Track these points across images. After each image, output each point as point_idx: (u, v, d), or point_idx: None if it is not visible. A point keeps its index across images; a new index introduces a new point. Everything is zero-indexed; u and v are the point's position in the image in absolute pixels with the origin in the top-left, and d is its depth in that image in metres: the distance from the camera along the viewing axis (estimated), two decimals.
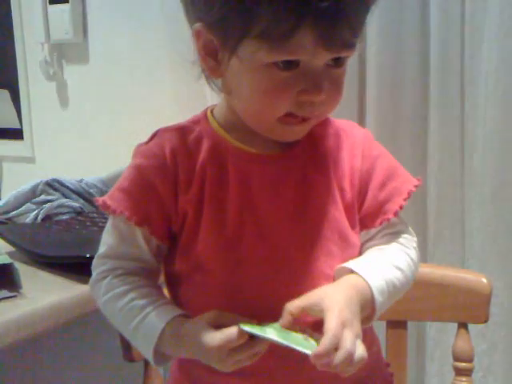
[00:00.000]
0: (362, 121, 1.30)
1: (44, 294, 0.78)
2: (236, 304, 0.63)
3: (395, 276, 0.65)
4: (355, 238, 0.68)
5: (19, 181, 1.53)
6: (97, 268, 0.69)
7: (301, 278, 0.64)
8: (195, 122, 0.68)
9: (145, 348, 0.64)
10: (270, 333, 0.57)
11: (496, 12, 1.16)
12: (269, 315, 0.60)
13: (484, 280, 0.85)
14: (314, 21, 0.55)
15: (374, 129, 1.26)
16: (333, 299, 0.59)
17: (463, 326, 0.86)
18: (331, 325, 0.56)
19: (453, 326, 0.88)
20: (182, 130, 0.67)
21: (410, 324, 1.27)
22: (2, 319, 0.72)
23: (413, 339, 1.33)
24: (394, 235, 0.69)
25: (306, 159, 0.67)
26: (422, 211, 1.27)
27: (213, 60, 0.62)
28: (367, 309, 0.62)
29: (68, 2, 1.62)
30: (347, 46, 0.59)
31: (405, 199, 0.68)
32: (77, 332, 0.93)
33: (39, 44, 1.70)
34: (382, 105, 1.26)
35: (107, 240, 0.68)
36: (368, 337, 0.69)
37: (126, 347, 0.75)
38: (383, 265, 0.66)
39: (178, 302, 0.68)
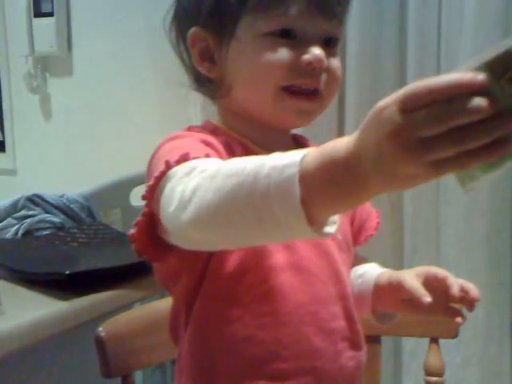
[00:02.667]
0: (340, 135, 1.32)
1: (23, 310, 0.79)
2: None
3: None
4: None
5: (0, 193, 1.54)
6: (197, 166, 0.50)
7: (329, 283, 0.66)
8: (212, 131, 0.66)
9: (282, 170, 0.43)
10: None
11: (471, 32, 1.19)
12: None
13: None
14: None
15: None
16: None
17: (434, 340, 0.88)
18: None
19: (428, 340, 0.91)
20: (210, 132, 0.65)
21: (387, 338, 1.30)
22: None
23: (390, 353, 1.36)
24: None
25: None
26: (399, 227, 1.31)
27: (209, 63, 0.66)
28: None
29: (53, 15, 1.63)
30: (335, 15, 0.63)
31: (377, 216, 0.75)
32: (55, 348, 0.94)
33: (23, 57, 1.71)
34: (360, 122, 1.29)
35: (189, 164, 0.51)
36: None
37: (104, 363, 0.77)
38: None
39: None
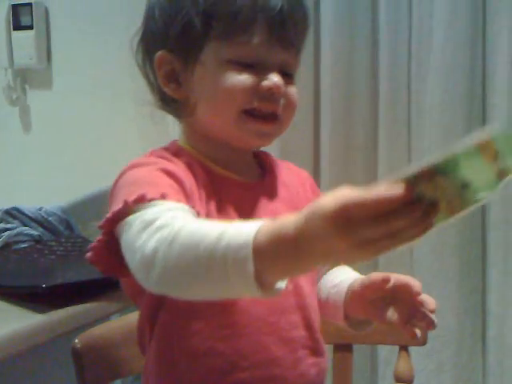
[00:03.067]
0: (316, 149, 1.36)
1: (0, 323, 0.80)
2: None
3: None
4: None
5: None
6: (157, 219, 0.55)
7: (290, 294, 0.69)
8: (175, 153, 0.69)
9: (237, 250, 0.50)
10: None
11: (439, 48, 1.24)
12: None
13: None
14: (266, 15, 0.65)
15: (328, 160, 1.32)
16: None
17: (404, 348, 0.91)
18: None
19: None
20: (173, 154, 0.68)
21: (364, 346, 1.33)
22: None
23: (366, 359, 1.38)
24: None
25: (276, 189, 0.74)
26: None
27: (174, 84, 0.69)
28: None
29: (32, 28, 1.64)
30: (293, 45, 0.68)
31: None
32: (32, 362, 0.94)
33: (2, 69, 1.71)
34: (336, 137, 1.33)
35: (156, 206, 0.57)
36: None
37: (80, 374, 0.78)
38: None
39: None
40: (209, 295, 0.55)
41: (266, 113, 0.67)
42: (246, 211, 0.69)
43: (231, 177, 0.70)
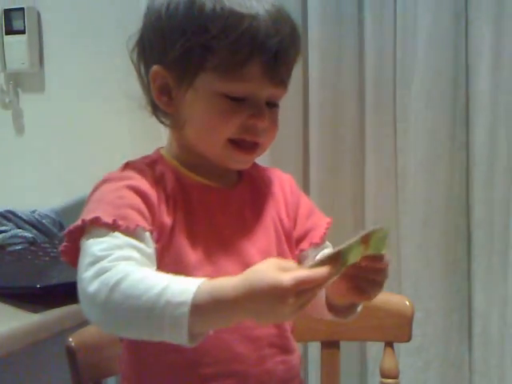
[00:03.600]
0: (306, 153, 1.38)
1: None
2: None
3: None
4: (291, 257, 0.77)
5: None
6: (99, 260, 0.60)
7: None
8: (153, 161, 0.73)
9: (175, 311, 0.55)
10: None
11: (423, 55, 1.27)
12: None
13: (407, 302, 0.93)
14: (262, 55, 0.67)
15: (317, 163, 1.35)
16: None
17: (389, 344, 0.94)
18: None
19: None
20: (148, 165, 0.73)
21: (353, 344, 1.35)
22: None
23: (356, 358, 1.41)
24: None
25: (251, 194, 0.77)
26: None
27: (167, 97, 0.71)
28: None
29: (24, 32, 1.66)
30: (283, 83, 0.71)
31: (326, 228, 0.80)
32: (27, 360, 0.96)
33: None
34: (324, 141, 1.36)
35: (104, 240, 0.62)
36: (298, 354, 0.78)
37: (75, 372, 0.80)
38: None
39: None
40: (142, 338, 0.61)
41: (249, 143, 0.71)
42: (215, 216, 0.72)
43: (204, 183, 0.73)
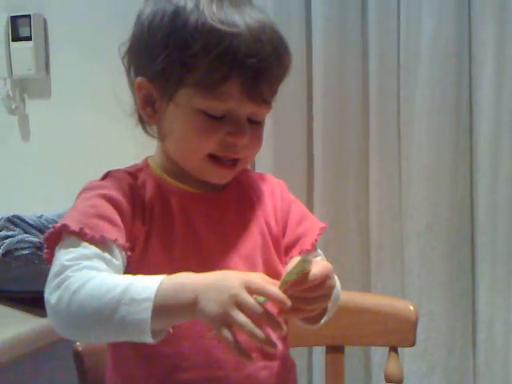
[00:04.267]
0: (310, 159, 1.39)
1: (3, 327, 0.82)
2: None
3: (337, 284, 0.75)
4: (280, 265, 0.78)
5: None
6: (66, 269, 0.63)
7: None
8: (138, 169, 0.76)
9: (139, 307, 0.58)
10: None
11: (427, 60, 1.27)
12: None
13: (411, 307, 0.93)
14: (241, 74, 0.66)
15: (321, 168, 1.36)
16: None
17: (393, 349, 0.94)
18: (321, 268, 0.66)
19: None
20: (130, 174, 0.75)
21: (357, 349, 1.36)
22: None
23: (360, 363, 1.41)
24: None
25: (237, 199, 0.78)
26: (365, 244, 1.37)
27: (151, 108, 0.73)
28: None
29: (31, 39, 1.67)
30: (265, 102, 0.70)
31: (318, 234, 0.80)
32: (35, 364, 0.97)
33: (2, 79, 1.74)
34: (328, 146, 1.36)
35: (74, 249, 0.65)
36: (289, 361, 0.79)
37: (82, 376, 0.80)
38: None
39: None
40: (106, 339, 0.63)
41: (228, 158, 0.72)
42: (194, 223, 0.73)
43: (184, 189, 0.74)
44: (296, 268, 0.63)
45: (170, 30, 0.68)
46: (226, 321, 0.57)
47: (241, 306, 0.57)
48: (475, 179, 1.29)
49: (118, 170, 0.76)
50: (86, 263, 0.63)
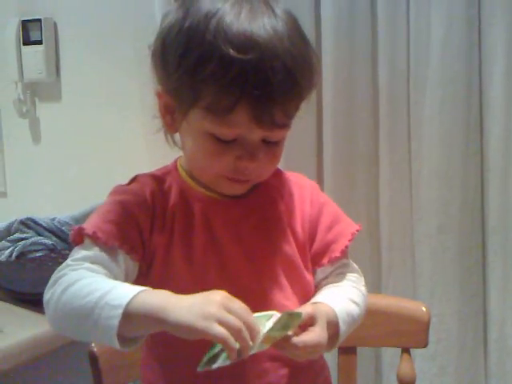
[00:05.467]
0: (319, 161, 1.39)
1: (20, 328, 0.83)
2: None
3: (353, 309, 0.74)
4: (308, 273, 0.76)
5: None
6: (68, 267, 0.66)
7: (257, 307, 0.70)
8: (166, 172, 0.76)
9: (110, 312, 0.59)
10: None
11: (437, 62, 1.27)
12: None
13: (423, 308, 0.93)
14: (249, 102, 0.64)
15: (331, 169, 1.36)
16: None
17: (406, 350, 0.94)
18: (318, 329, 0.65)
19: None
20: (156, 178, 0.75)
21: (368, 350, 1.36)
22: None
23: (371, 363, 1.41)
24: (346, 274, 0.79)
25: (262, 205, 0.76)
26: (376, 245, 1.37)
27: (170, 117, 0.71)
28: (332, 336, 0.70)
29: (41, 43, 1.68)
30: (278, 126, 0.67)
31: (349, 240, 0.77)
32: (50, 366, 0.98)
33: (13, 83, 1.76)
34: (337, 148, 1.36)
35: (85, 251, 0.68)
36: (319, 363, 0.78)
37: (97, 377, 0.81)
38: (343, 299, 0.74)
39: None
40: (85, 339, 0.65)
41: (239, 180, 0.71)
42: (216, 230, 0.72)
43: (207, 195, 0.74)
44: (279, 323, 0.61)
45: (182, 51, 0.66)
46: (202, 332, 0.57)
47: (219, 320, 0.57)
48: (486, 180, 1.29)
49: (145, 175, 0.76)
50: (86, 265, 0.66)
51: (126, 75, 1.61)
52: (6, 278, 0.98)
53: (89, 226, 0.69)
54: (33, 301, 0.90)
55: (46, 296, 0.66)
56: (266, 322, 0.62)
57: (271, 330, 0.61)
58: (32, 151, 1.81)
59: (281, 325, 0.62)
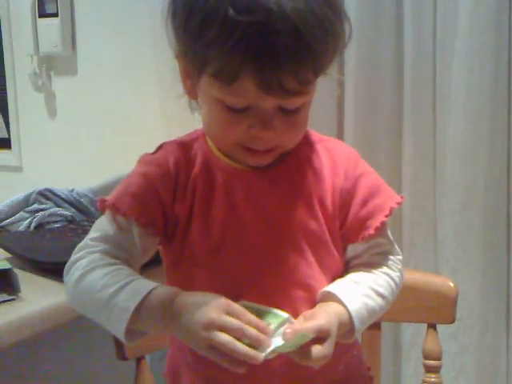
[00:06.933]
0: (340, 134, 1.36)
1: (42, 297, 0.83)
2: None
3: (376, 303, 0.71)
4: (336, 250, 0.73)
5: (6, 190, 1.57)
6: (86, 248, 0.69)
7: (276, 286, 0.69)
8: (194, 138, 0.74)
9: (123, 309, 0.62)
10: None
11: (464, 33, 1.24)
12: None
13: (451, 284, 0.91)
14: (254, 69, 0.59)
15: (352, 143, 1.33)
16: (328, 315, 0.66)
17: (432, 326, 0.92)
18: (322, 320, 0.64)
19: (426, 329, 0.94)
20: (183, 145, 0.73)
21: (386, 327, 1.34)
22: (3, 321, 0.76)
23: (390, 341, 1.40)
24: (381, 256, 0.74)
25: (289, 176, 0.71)
26: (397, 221, 1.34)
27: (190, 82, 0.68)
28: (347, 332, 0.68)
29: (57, 15, 1.66)
30: (291, 93, 0.62)
31: (386, 216, 0.72)
32: (72, 332, 0.97)
33: (28, 56, 1.74)
34: (360, 122, 1.33)
35: (104, 228, 0.70)
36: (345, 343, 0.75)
37: (119, 346, 0.80)
38: (365, 292, 0.70)
39: None
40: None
41: (257, 150, 0.67)
42: (237, 202, 0.70)
43: (231, 165, 0.71)
44: (291, 341, 0.60)
45: (186, 15, 0.63)
46: (208, 343, 0.59)
47: (221, 328, 0.58)
48: None
49: (171, 142, 0.73)
50: (102, 247, 0.68)
51: (142, 48, 1.59)
52: (25, 248, 0.97)
53: (111, 197, 0.70)
54: (53, 270, 0.89)
55: (66, 277, 0.69)
56: (277, 325, 0.62)
57: (280, 347, 0.60)
58: (47, 125, 1.80)
59: (293, 342, 0.61)
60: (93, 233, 0.71)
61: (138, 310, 0.62)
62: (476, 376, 1.31)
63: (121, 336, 0.63)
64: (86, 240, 0.70)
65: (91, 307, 0.66)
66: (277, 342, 0.60)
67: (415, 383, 1.35)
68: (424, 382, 0.92)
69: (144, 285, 0.64)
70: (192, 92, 0.69)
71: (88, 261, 0.67)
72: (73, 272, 0.67)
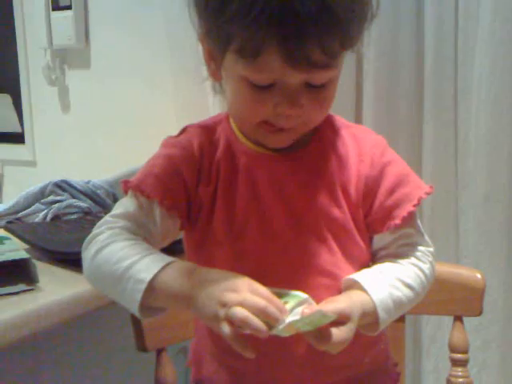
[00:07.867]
0: (359, 123, 1.34)
1: (60, 287, 0.82)
2: None
3: (404, 294, 0.68)
4: (361, 240, 0.71)
5: (20, 184, 1.56)
6: (105, 224, 0.68)
7: (298, 272, 0.68)
8: (217, 122, 0.73)
9: (138, 280, 0.61)
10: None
11: (487, 21, 1.20)
12: None
13: (478, 275, 0.89)
14: (278, 41, 0.58)
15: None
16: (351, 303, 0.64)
17: (459, 318, 0.90)
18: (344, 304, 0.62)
19: (448, 323, 0.92)
20: (206, 129, 0.72)
21: (407, 322, 1.32)
22: (22, 311, 0.75)
23: (409, 336, 1.37)
24: (410, 247, 0.72)
25: (312, 161, 0.70)
26: (419, 213, 1.31)
27: (214, 64, 0.67)
28: (371, 323, 0.66)
29: (71, 8, 1.65)
30: (317, 66, 0.60)
31: (414, 205, 0.69)
32: (92, 325, 0.96)
33: (42, 49, 1.73)
34: (379, 111, 1.31)
35: (125, 206, 0.69)
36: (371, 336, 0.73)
37: (139, 337, 0.79)
38: (392, 283, 0.68)
39: None
40: (118, 302, 0.66)
41: (282, 127, 0.65)
42: (258, 187, 0.69)
43: (253, 149, 0.70)
44: (308, 318, 0.58)
45: None
46: (223, 316, 0.57)
47: (241, 304, 0.56)
48: None
49: (195, 126, 0.73)
50: (122, 223, 0.66)
51: (156, 41, 1.58)
52: (43, 239, 0.96)
53: (134, 178, 0.69)
54: (71, 260, 0.87)
55: (84, 252, 0.67)
56: (295, 305, 0.59)
57: (297, 321, 0.57)
58: (61, 119, 1.79)
59: (309, 320, 0.58)
60: (113, 211, 0.70)
61: (153, 281, 0.60)
62: (498, 370, 1.28)
63: (135, 309, 0.61)
64: (106, 217, 0.69)
65: (107, 280, 0.64)
66: (294, 314, 0.58)
67: (436, 379, 1.33)
68: (451, 376, 0.89)
69: (162, 258, 0.63)
70: (216, 74, 0.68)
71: (106, 235, 0.66)
72: (91, 247, 0.66)
